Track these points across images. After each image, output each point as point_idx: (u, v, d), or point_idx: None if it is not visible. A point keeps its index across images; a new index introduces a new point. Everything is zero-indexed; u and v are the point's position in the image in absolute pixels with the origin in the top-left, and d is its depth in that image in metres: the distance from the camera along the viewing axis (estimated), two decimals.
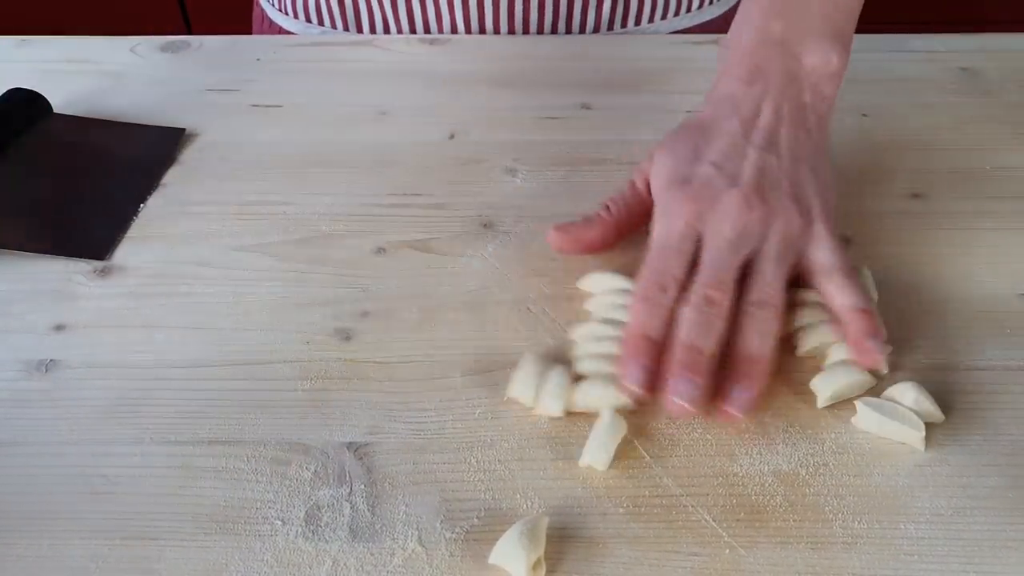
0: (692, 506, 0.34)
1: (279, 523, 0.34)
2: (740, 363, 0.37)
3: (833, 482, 0.35)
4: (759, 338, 0.37)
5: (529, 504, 0.34)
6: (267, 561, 0.32)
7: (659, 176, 0.42)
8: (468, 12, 0.63)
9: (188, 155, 0.53)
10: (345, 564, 0.32)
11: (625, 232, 0.44)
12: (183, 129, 0.55)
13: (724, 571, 0.32)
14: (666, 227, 0.40)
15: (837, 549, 0.33)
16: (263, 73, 0.60)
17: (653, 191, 0.42)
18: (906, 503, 0.34)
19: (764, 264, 0.39)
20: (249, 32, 0.76)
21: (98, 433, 0.37)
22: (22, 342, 0.41)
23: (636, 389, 0.36)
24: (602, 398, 0.37)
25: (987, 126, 0.55)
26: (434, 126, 0.55)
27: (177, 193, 0.50)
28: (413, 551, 0.33)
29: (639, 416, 0.37)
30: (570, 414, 0.37)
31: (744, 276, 0.39)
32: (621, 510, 0.34)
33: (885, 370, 0.38)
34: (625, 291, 0.41)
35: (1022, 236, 0.47)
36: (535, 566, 0.31)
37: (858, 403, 0.37)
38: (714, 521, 0.34)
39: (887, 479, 0.35)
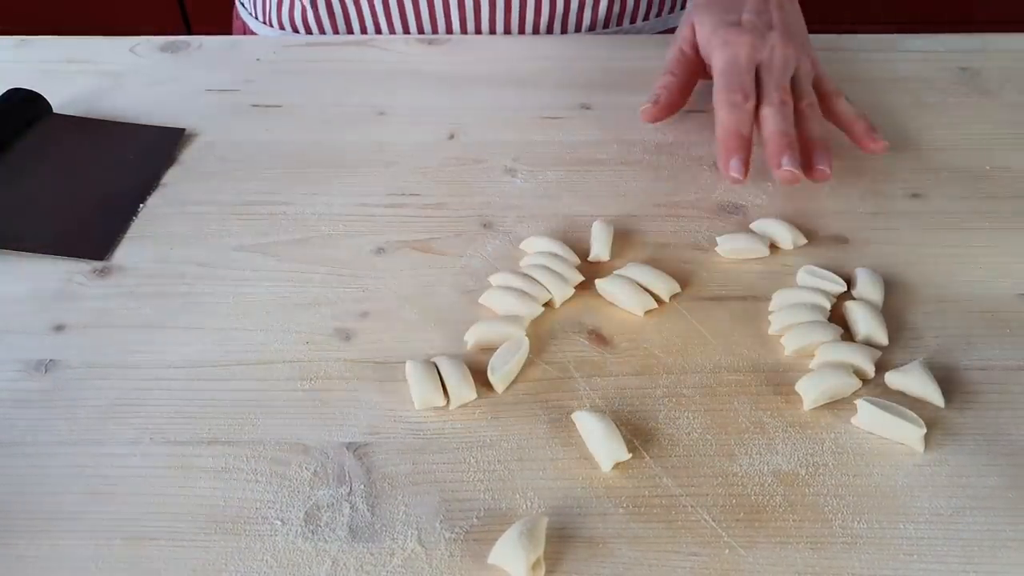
0: (692, 506, 0.34)
1: (279, 523, 0.34)
2: (812, 143, 0.48)
3: (832, 482, 0.35)
4: (819, 124, 0.49)
5: (528, 504, 0.34)
6: (267, 561, 0.32)
7: (705, 27, 0.52)
8: (464, 12, 0.63)
9: (188, 155, 0.53)
10: (345, 564, 0.32)
11: (689, 90, 0.54)
12: (183, 129, 0.55)
13: (724, 571, 0.32)
14: (732, 53, 0.50)
15: (837, 549, 0.33)
16: (263, 73, 0.60)
17: (702, 39, 0.52)
18: (905, 503, 0.34)
19: (802, 82, 0.51)
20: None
21: (98, 433, 0.37)
22: (22, 342, 0.41)
23: (738, 176, 0.46)
24: (502, 332, 0.41)
25: (987, 126, 0.55)
26: (434, 126, 0.55)
27: (177, 193, 0.50)
28: (413, 551, 0.33)
29: (639, 416, 0.37)
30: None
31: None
32: (621, 510, 0.34)
33: (872, 374, 0.39)
34: (551, 254, 0.45)
35: (1022, 236, 0.47)
36: (535, 566, 0.31)
37: (859, 402, 0.37)
38: (714, 521, 0.34)
39: (886, 479, 0.35)
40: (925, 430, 0.36)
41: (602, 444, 0.35)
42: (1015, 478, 0.35)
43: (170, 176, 0.51)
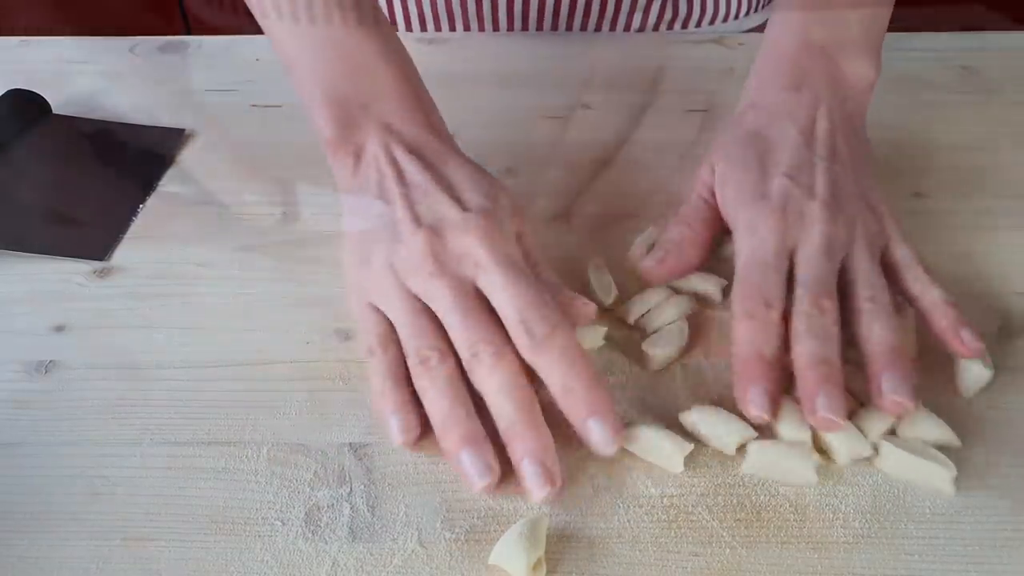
0: (692, 506, 0.34)
1: (279, 524, 0.34)
2: (879, 357, 0.36)
3: (833, 481, 0.35)
4: (889, 330, 0.36)
5: (529, 504, 0.34)
6: (267, 562, 0.32)
7: (729, 190, 0.42)
8: (467, 9, 0.63)
9: (188, 155, 0.53)
10: (345, 565, 0.32)
11: (705, 247, 0.43)
12: (183, 129, 0.55)
13: (724, 571, 0.32)
14: (758, 244, 0.39)
15: (838, 549, 0.33)
16: (263, 73, 0.60)
17: (725, 205, 0.42)
18: (907, 502, 0.34)
19: (860, 264, 0.39)
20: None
21: (98, 434, 0.37)
22: (22, 343, 0.41)
23: (763, 415, 0.35)
24: None
25: (987, 126, 0.55)
26: None
27: (177, 193, 0.50)
28: (413, 551, 0.33)
29: (638, 416, 0.37)
30: None
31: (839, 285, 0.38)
32: (621, 510, 0.34)
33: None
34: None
35: (1022, 236, 0.47)
36: (535, 566, 0.31)
37: (882, 443, 0.35)
38: (714, 521, 0.34)
39: (888, 478, 0.35)
40: (955, 473, 0.34)
41: (667, 445, 0.35)
42: (1016, 478, 0.35)
43: (170, 176, 0.51)
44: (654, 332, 0.40)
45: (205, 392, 0.39)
